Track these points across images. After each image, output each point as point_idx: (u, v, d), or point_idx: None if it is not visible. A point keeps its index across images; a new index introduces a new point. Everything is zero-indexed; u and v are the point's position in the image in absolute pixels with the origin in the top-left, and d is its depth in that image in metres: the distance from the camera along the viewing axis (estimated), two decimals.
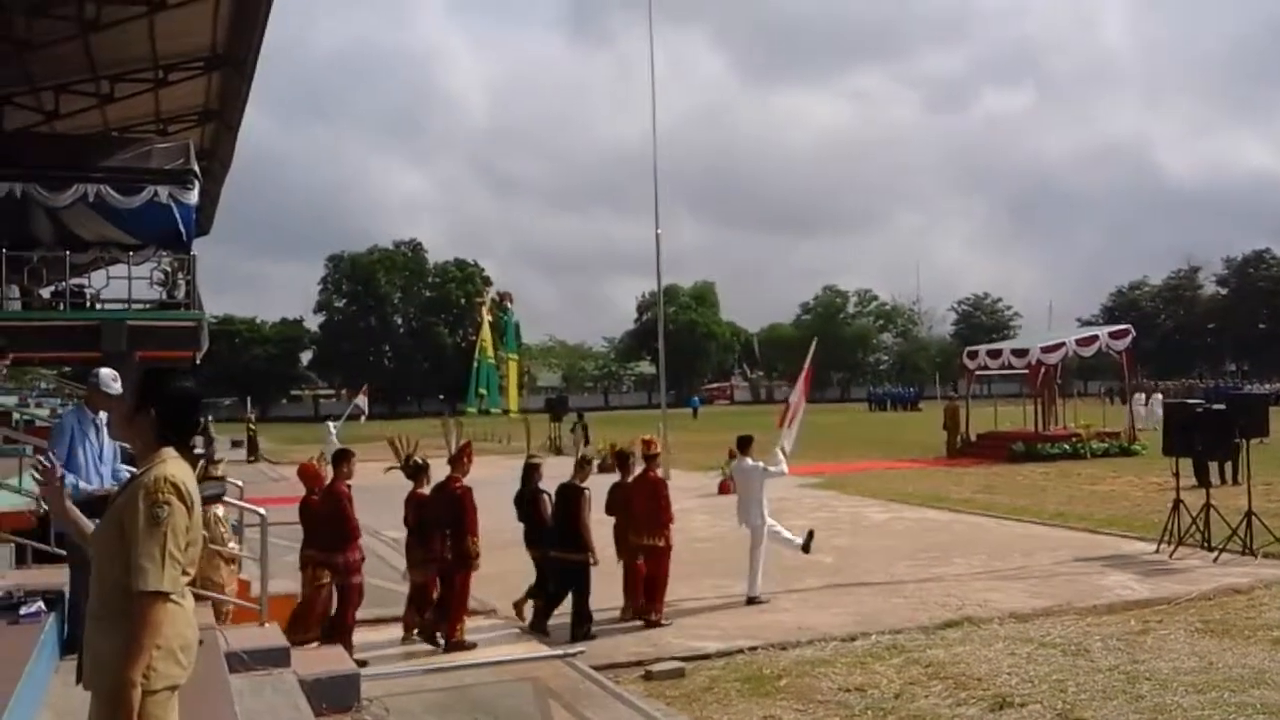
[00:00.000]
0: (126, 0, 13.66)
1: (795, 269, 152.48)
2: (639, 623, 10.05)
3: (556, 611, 9.88)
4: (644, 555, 10.13)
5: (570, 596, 9.72)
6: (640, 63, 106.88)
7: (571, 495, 9.89)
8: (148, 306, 15.25)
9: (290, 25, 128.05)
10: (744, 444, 11.56)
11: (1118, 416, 31.45)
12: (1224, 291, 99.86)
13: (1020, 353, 30.09)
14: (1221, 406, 13.93)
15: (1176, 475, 13.55)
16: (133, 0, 13.67)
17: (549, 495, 10.14)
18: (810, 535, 11.62)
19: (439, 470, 9.74)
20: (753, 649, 9.00)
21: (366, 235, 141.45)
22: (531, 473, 10.29)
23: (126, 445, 5.25)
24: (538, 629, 9.75)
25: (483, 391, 43.04)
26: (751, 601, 10.87)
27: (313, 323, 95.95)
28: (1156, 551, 13.05)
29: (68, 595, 6.21)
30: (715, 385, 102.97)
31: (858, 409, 74.51)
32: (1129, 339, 30.63)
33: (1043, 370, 29.48)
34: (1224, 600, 10.44)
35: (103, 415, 6.82)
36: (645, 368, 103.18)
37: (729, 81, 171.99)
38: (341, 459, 9.05)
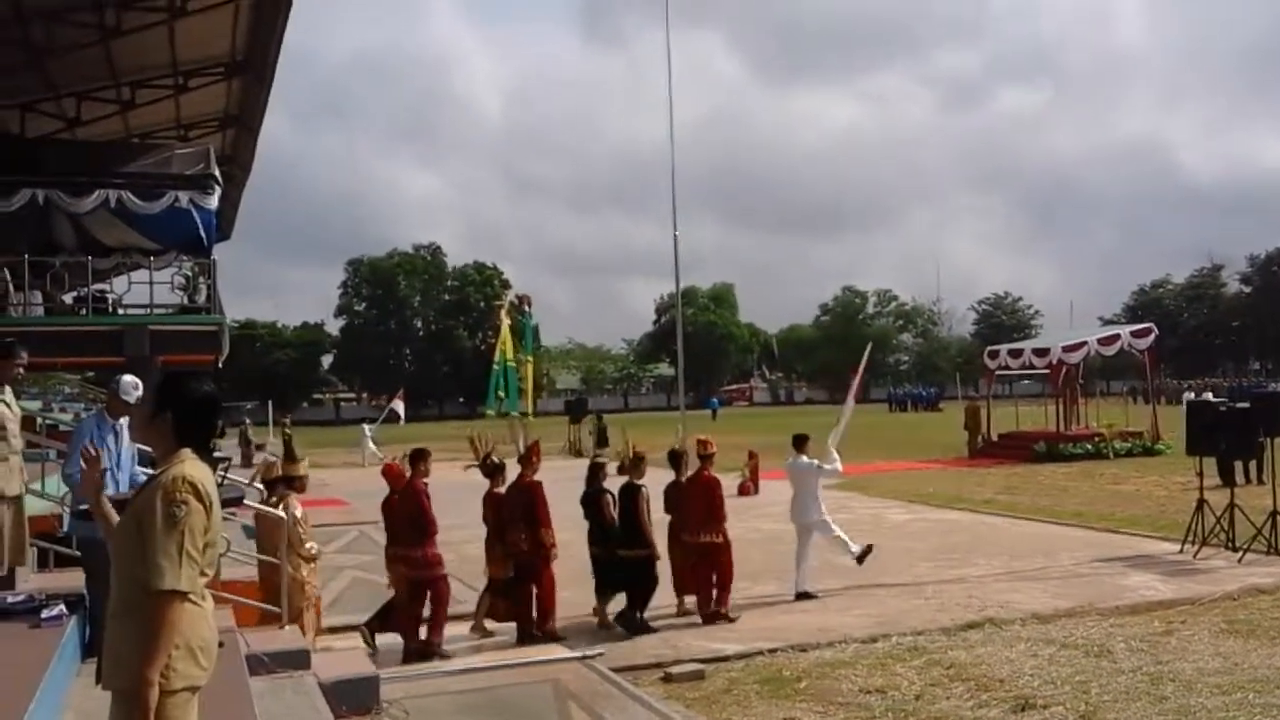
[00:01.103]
0: (147, 7, 13.77)
1: (814, 270, 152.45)
2: (695, 619, 10.20)
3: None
4: (701, 553, 10.31)
5: (629, 591, 9.99)
6: (656, 64, 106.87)
7: (630, 494, 10.12)
8: (169, 311, 15.34)
9: (309, 30, 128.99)
10: (799, 442, 11.69)
11: (1141, 416, 31.19)
12: (1247, 289, 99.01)
13: (1041, 352, 29.90)
14: (1245, 405, 13.80)
15: (1200, 475, 13.43)
16: (153, 7, 13.77)
17: (612, 495, 10.31)
18: (869, 549, 11.71)
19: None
20: (772, 651, 8.97)
21: (386, 239, 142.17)
22: (596, 473, 10.49)
23: (145, 449, 5.28)
24: (640, 630, 9.76)
25: (502, 394, 43.17)
26: (803, 596, 11.05)
27: (333, 326, 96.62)
28: (1180, 552, 12.94)
29: (88, 598, 6.25)
30: (734, 387, 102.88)
31: (878, 410, 74.20)
32: (1151, 338, 30.39)
33: (1064, 370, 29.28)
34: (1249, 600, 10.34)
35: (122, 421, 6.86)
36: (664, 369, 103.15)
37: (745, 82, 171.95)
38: (418, 457, 9.29)
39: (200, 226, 14.84)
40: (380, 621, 9.35)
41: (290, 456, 35.13)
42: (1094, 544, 14.09)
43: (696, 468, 10.69)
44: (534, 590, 9.56)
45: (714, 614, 10.14)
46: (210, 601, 3.48)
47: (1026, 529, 15.77)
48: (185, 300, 15.35)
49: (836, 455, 11.78)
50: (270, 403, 52.23)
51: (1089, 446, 27.79)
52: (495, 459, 9.95)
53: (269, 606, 8.01)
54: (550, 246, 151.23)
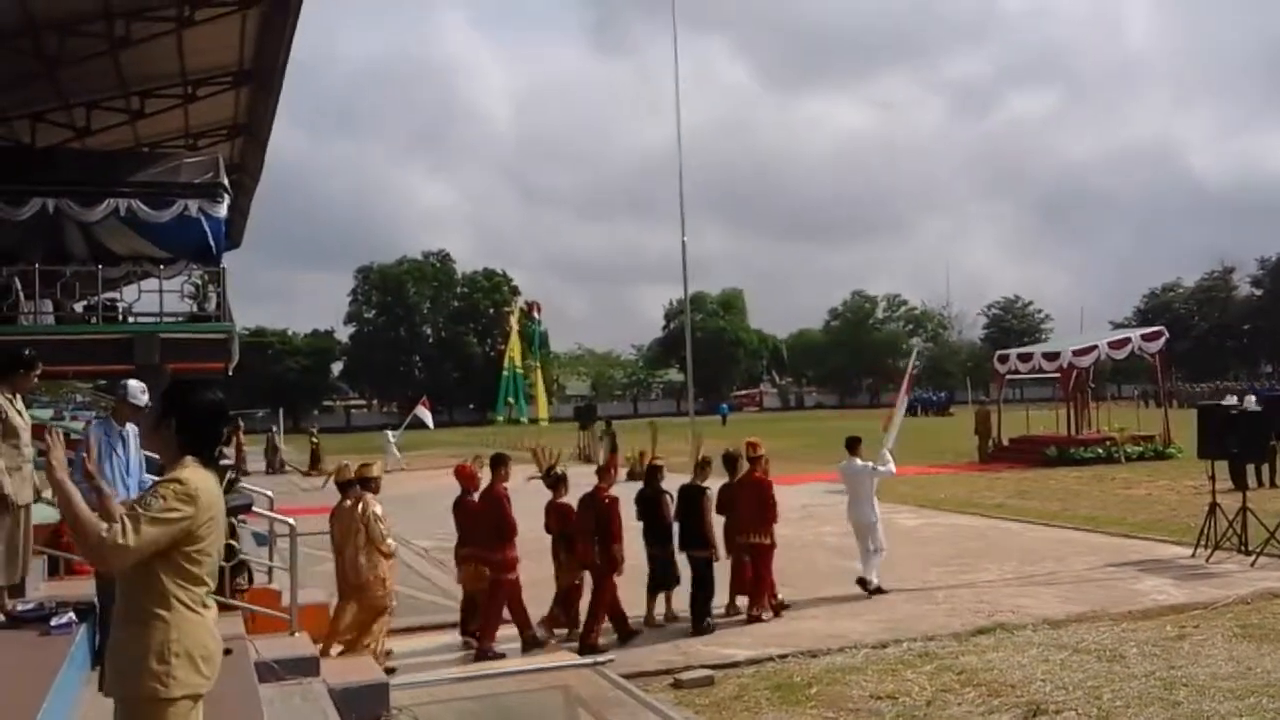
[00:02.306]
0: (155, 17, 13.81)
1: (823, 275, 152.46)
2: (743, 617, 10.45)
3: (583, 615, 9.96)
4: (750, 553, 10.54)
5: (693, 590, 10.25)
6: (664, 71, 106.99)
7: (695, 495, 10.46)
8: (179, 319, 15.36)
9: (317, 39, 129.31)
10: (853, 445, 11.99)
11: (1152, 420, 31.06)
12: (1259, 292, 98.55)
13: (1052, 356, 29.79)
14: (1257, 408, 13.74)
15: (1212, 478, 13.37)
16: (161, 17, 13.82)
17: (671, 496, 10.57)
18: (878, 590, 11.55)
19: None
20: (783, 657, 8.96)
21: (395, 246, 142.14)
22: (654, 474, 10.71)
23: (155, 455, 5.29)
24: (699, 630, 9.98)
25: (511, 401, 43.27)
26: (863, 585, 11.40)
27: (343, 334, 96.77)
28: (1193, 556, 12.87)
29: (98, 606, 6.26)
30: (744, 392, 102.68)
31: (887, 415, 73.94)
32: (1162, 341, 30.25)
33: (1075, 373, 29.17)
34: (1262, 604, 10.29)
35: (130, 427, 6.87)
36: (674, 375, 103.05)
37: (753, 88, 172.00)
38: (499, 463, 9.62)
39: (210, 235, 14.85)
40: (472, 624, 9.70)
41: (316, 464, 35.28)
42: (1106, 548, 14.02)
43: (746, 469, 10.96)
44: (595, 599, 9.74)
45: (750, 617, 10.41)
46: (214, 610, 3.49)
47: (1038, 534, 15.70)
48: (195, 308, 15.35)
49: (890, 458, 12.22)
50: (281, 410, 52.29)
51: (1100, 451, 27.69)
52: (559, 470, 10.23)
53: (275, 613, 8.01)
54: (560, 253, 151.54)
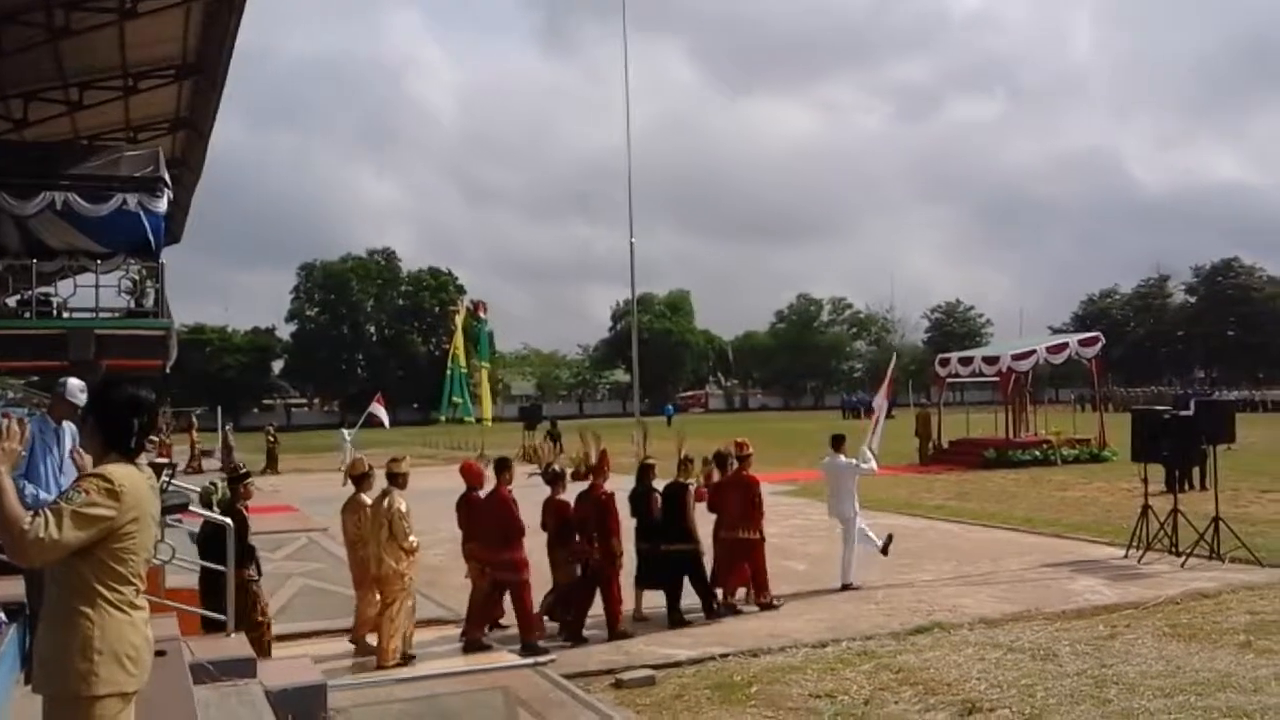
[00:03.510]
0: (96, 8, 13.57)
1: (770, 277, 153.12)
2: (730, 610, 10.76)
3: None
4: (738, 548, 10.90)
5: (688, 583, 10.51)
6: (614, 72, 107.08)
7: (678, 492, 10.70)
8: (115, 315, 15.07)
9: (262, 33, 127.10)
10: (837, 442, 12.43)
11: (1088, 423, 31.67)
12: (1193, 300, 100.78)
13: (991, 360, 30.29)
14: (1189, 413, 14.07)
15: (1145, 481, 13.67)
16: (103, 8, 13.58)
17: (658, 493, 10.80)
18: (890, 539, 12.53)
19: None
20: (724, 656, 9.01)
21: (339, 244, 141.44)
22: (646, 473, 10.89)
23: None
24: (674, 623, 10.27)
25: (456, 400, 42.97)
26: (846, 588, 11.73)
27: (285, 331, 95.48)
28: (1125, 556, 13.16)
29: (28, 606, 6.14)
30: (689, 394, 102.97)
31: (831, 416, 74.60)
32: (1099, 346, 30.85)
33: (1014, 377, 29.67)
34: (1191, 605, 10.54)
35: (67, 425, 6.75)
36: (620, 376, 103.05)
37: (702, 90, 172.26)
38: (504, 466, 9.79)
39: (148, 230, 14.59)
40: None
41: (272, 463, 34.78)
42: (1041, 549, 14.28)
43: (734, 468, 11.34)
44: (605, 595, 9.96)
45: (764, 605, 10.87)
46: (145, 609, 3.45)
47: (976, 534, 15.95)
48: (132, 304, 15.08)
49: (872, 456, 12.74)
50: (219, 409, 51.46)
51: (1037, 453, 28.20)
52: (557, 467, 10.39)
53: (211, 614, 7.90)
54: (506, 252, 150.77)
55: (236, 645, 7.20)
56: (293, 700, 6.72)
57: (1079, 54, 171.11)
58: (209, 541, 8.17)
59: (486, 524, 9.63)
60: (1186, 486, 18.15)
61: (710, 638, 9.72)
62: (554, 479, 10.28)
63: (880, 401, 14.57)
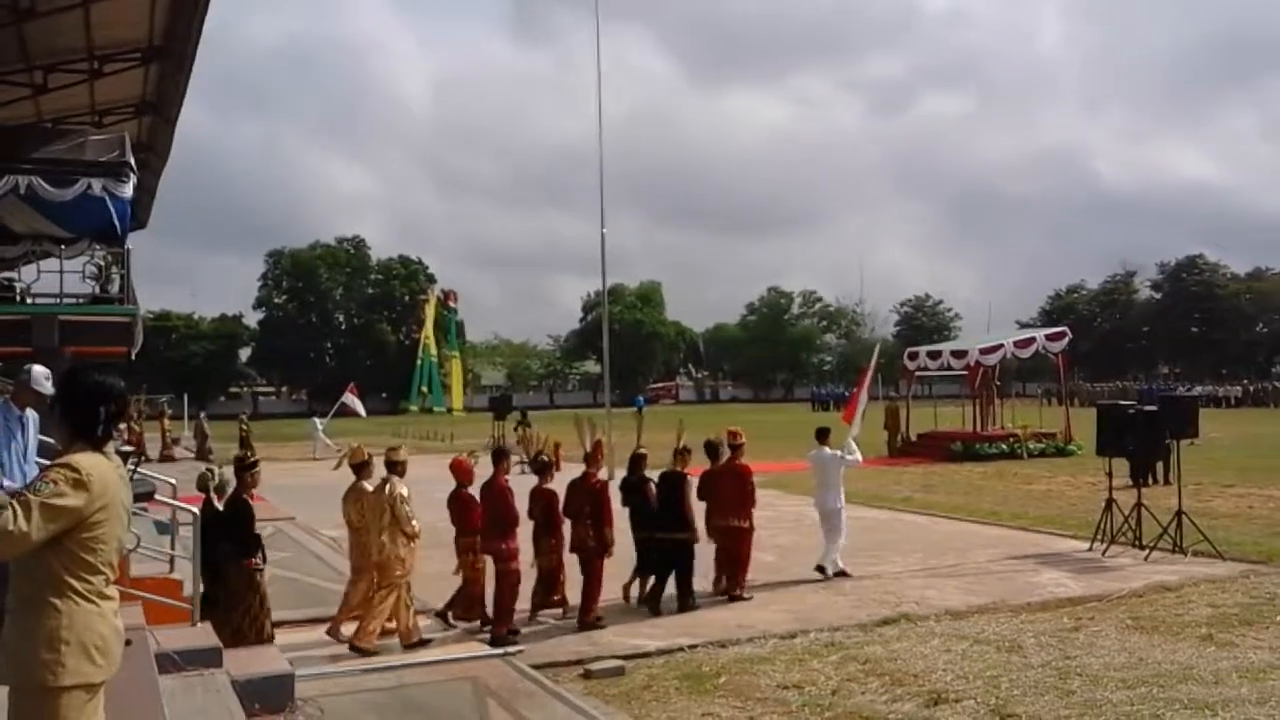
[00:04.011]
0: None
1: (741, 269, 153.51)
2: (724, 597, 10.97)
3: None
4: (728, 536, 11.12)
5: (674, 572, 10.66)
6: (586, 60, 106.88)
7: (676, 481, 10.89)
8: (80, 301, 14.88)
9: (230, 17, 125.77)
10: (822, 435, 12.77)
11: (1054, 417, 31.98)
12: (1157, 296, 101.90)
13: (959, 354, 30.53)
14: (1153, 408, 14.23)
15: (1110, 475, 13.82)
16: None
17: (653, 482, 10.99)
18: (840, 574, 12.16)
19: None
20: (693, 647, 9.04)
21: (308, 231, 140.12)
22: (639, 462, 11.13)
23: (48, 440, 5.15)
24: (652, 609, 10.48)
25: (425, 390, 42.81)
26: (838, 575, 11.99)
27: (252, 319, 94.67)
28: (1089, 549, 13.31)
29: None
30: (660, 385, 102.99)
31: (801, 408, 74.98)
32: (1065, 341, 31.19)
33: (981, 371, 29.93)
34: (1154, 597, 10.67)
35: (30, 412, 6.67)
36: (590, 367, 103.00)
37: (674, 81, 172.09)
38: (501, 456, 10.07)
39: (114, 215, 14.40)
40: (459, 609, 9.94)
41: (246, 450, 34.75)
42: (1007, 542, 14.42)
43: (728, 457, 11.47)
44: (588, 579, 10.10)
45: (732, 596, 10.98)
46: (114, 600, 3.41)
47: (943, 527, 16.08)
48: (97, 290, 14.89)
49: (855, 447, 13.01)
50: (186, 396, 51.01)
51: (1004, 447, 28.46)
52: (545, 457, 10.48)
53: (177, 603, 7.84)
54: (477, 242, 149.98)
55: (202, 635, 7.14)
56: (260, 690, 6.69)
57: (1049, 49, 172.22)
58: (210, 528, 8.33)
59: (485, 515, 9.72)
60: (1150, 481, 18.38)
61: (679, 629, 9.75)
62: (542, 468, 10.38)
63: (862, 393, 14.77)
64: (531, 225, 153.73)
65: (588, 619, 9.87)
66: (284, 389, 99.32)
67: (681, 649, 8.99)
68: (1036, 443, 28.93)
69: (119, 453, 3.75)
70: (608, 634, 9.62)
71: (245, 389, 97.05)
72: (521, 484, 10.20)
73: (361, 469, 9.82)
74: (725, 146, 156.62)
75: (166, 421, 37.24)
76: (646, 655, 8.84)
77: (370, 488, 9.56)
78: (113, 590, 3.42)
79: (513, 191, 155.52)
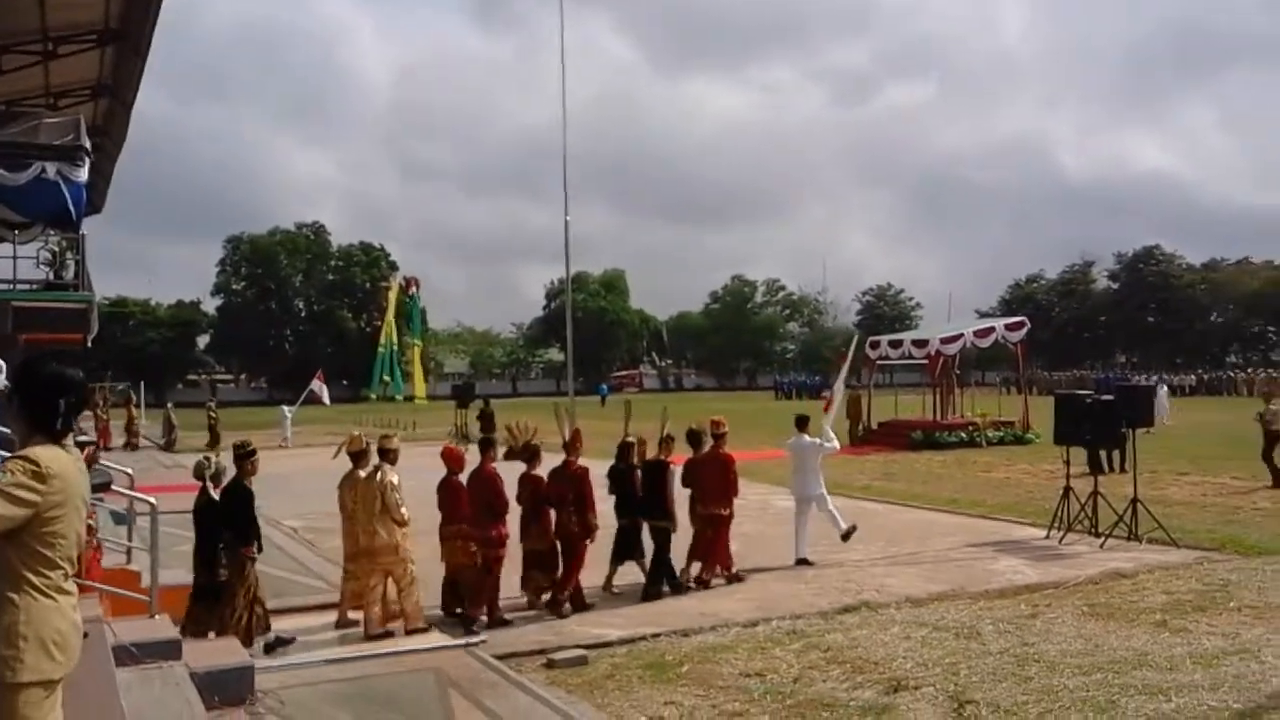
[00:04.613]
0: None
1: (705, 257, 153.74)
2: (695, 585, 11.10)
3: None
4: (710, 523, 11.25)
5: (662, 554, 10.85)
6: (549, 46, 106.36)
7: (659, 469, 11.09)
8: (34, 287, 14.65)
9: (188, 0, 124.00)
10: (801, 422, 13.00)
11: (1013, 406, 32.33)
12: (1115, 286, 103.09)
13: (920, 343, 30.75)
14: (1110, 397, 14.42)
15: (1067, 463, 13.99)
16: None
17: (639, 470, 11.14)
18: (853, 529, 12.77)
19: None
20: (655, 636, 9.07)
21: (267, 217, 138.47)
22: (627, 450, 11.24)
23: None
24: (650, 596, 10.58)
25: (387, 378, 42.47)
26: (802, 563, 12.17)
27: (210, 305, 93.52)
28: (1047, 537, 13.47)
29: None
30: (624, 373, 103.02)
31: (764, 397, 75.33)
32: (1024, 331, 31.50)
33: (941, 360, 30.15)
34: (1110, 584, 10.83)
35: None
36: (554, 355, 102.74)
37: (639, 68, 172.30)
38: (488, 444, 10.18)
39: (69, 199, 14.16)
40: (456, 600, 9.89)
41: (214, 440, 34.31)
42: (966, 529, 14.57)
43: (710, 445, 11.56)
44: (569, 562, 10.29)
45: (701, 581, 11.14)
46: (73, 595, 3.37)
47: (903, 515, 16.22)
48: (51, 276, 14.66)
49: (833, 435, 13.30)
50: (142, 384, 50.31)
51: (963, 435, 28.73)
52: (533, 444, 10.61)
53: (135, 594, 7.75)
54: (439, 229, 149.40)
55: (160, 627, 7.07)
56: (219, 682, 6.63)
57: (1009, 40, 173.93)
58: (203, 514, 8.56)
59: (474, 502, 9.77)
60: (1107, 469, 18.65)
61: (642, 617, 9.77)
62: (530, 455, 10.51)
63: (838, 383, 15.12)
64: (495, 212, 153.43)
65: (560, 596, 10.05)
66: (243, 376, 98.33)
67: (644, 638, 9.01)
68: (995, 431, 29.22)
69: (77, 443, 3.69)
70: (571, 623, 9.63)
71: (203, 376, 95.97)
72: (509, 473, 10.25)
73: (359, 457, 9.85)
74: (689, 134, 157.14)
75: (133, 409, 36.78)
76: (609, 645, 8.85)
77: (363, 475, 9.62)
78: (71, 585, 3.37)
79: (475, 178, 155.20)
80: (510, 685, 7.64)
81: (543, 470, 10.46)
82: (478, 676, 7.90)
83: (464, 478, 9.96)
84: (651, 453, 11.39)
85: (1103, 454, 18.71)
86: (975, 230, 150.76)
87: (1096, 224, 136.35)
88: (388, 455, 9.45)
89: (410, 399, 39.40)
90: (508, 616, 9.73)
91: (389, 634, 9.11)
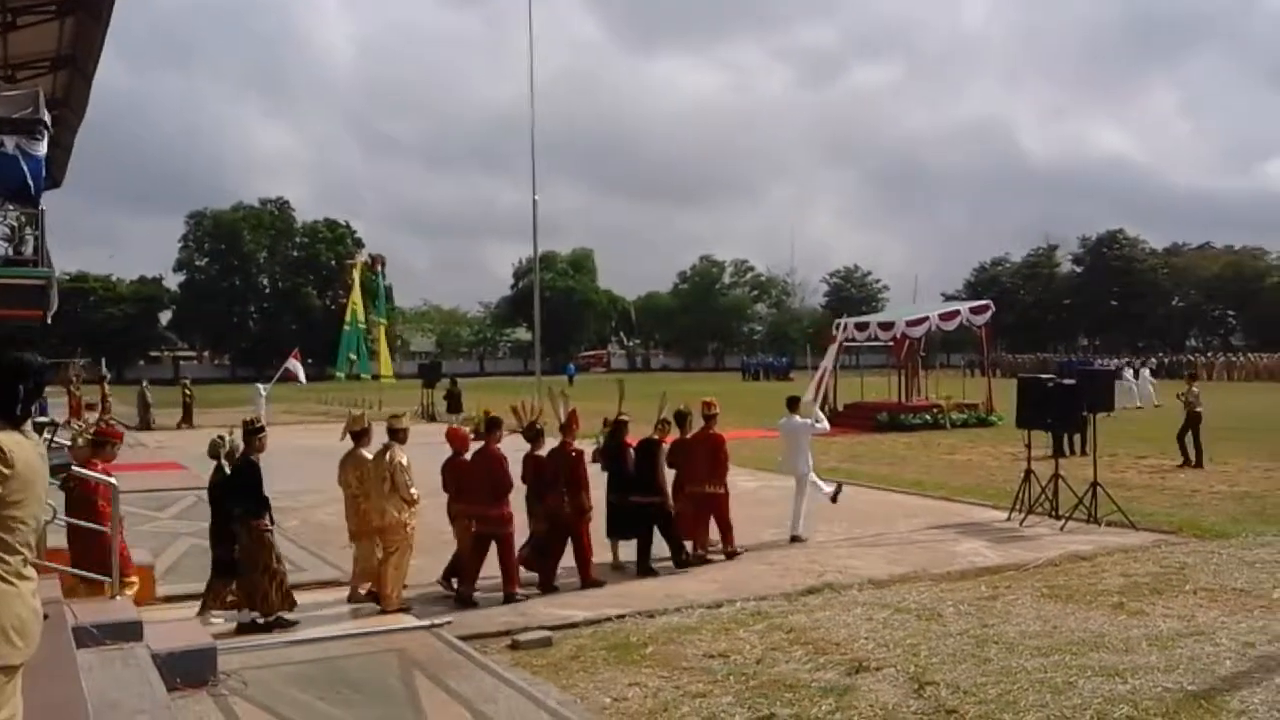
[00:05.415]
0: None
1: (673, 238, 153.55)
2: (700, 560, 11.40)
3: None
4: (705, 502, 11.60)
5: (649, 533, 11.06)
6: (516, 21, 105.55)
7: (652, 448, 11.29)
8: None
9: None
10: (792, 404, 13.43)
11: (976, 389, 32.62)
12: (1079, 270, 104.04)
13: (886, 325, 30.91)
14: (1071, 381, 14.57)
15: (1029, 446, 14.15)
16: None
17: (631, 449, 11.37)
18: (839, 488, 13.95)
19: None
20: (620, 617, 9.11)
21: (230, 192, 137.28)
22: (620, 429, 11.48)
23: None
24: (644, 571, 10.86)
25: (353, 356, 42.22)
26: (795, 540, 12.47)
27: (173, 281, 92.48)
28: (1008, 519, 13.63)
29: None
30: (591, 353, 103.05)
31: (732, 378, 75.55)
32: (989, 314, 31.75)
33: (907, 343, 30.37)
34: (1069, 566, 10.97)
35: None
36: (521, 334, 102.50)
37: (607, 45, 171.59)
38: (494, 425, 10.16)
39: (27, 173, 13.93)
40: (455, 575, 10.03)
41: (188, 418, 33.96)
42: (929, 511, 14.71)
43: (701, 426, 11.86)
44: (577, 546, 10.49)
45: (730, 554, 11.58)
46: (33, 580, 3.34)
47: (867, 496, 16.33)
48: (10, 252, 14.44)
49: (822, 415, 13.87)
50: (104, 360, 49.69)
51: (928, 417, 28.98)
52: (538, 425, 10.73)
53: (95, 575, 7.68)
54: (406, 206, 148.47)
55: (121, 608, 7.02)
56: (181, 664, 6.60)
57: (974, 23, 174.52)
58: (218, 490, 8.85)
59: (476, 481, 9.85)
60: (1068, 452, 18.87)
61: (608, 599, 9.81)
62: (534, 435, 10.61)
63: (824, 365, 15.55)
64: (462, 190, 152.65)
65: (588, 578, 10.32)
66: (206, 353, 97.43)
67: (609, 619, 9.05)
68: (959, 413, 29.48)
69: (35, 425, 3.65)
70: (536, 604, 9.65)
71: (166, 353, 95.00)
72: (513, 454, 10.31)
73: (361, 437, 9.94)
74: (657, 113, 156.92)
75: (107, 386, 36.39)
76: (574, 626, 8.89)
77: (370, 455, 9.68)
78: (30, 570, 3.34)
79: (442, 155, 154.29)
80: (474, 666, 7.65)
81: (544, 452, 10.61)
82: (442, 657, 7.91)
83: (468, 457, 10.06)
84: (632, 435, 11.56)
85: (1064, 437, 18.94)
86: (941, 212, 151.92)
87: (1061, 207, 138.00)
88: (397, 435, 9.55)
89: (376, 378, 39.17)
90: (478, 599, 9.74)
91: (407, 609, 9.27)
